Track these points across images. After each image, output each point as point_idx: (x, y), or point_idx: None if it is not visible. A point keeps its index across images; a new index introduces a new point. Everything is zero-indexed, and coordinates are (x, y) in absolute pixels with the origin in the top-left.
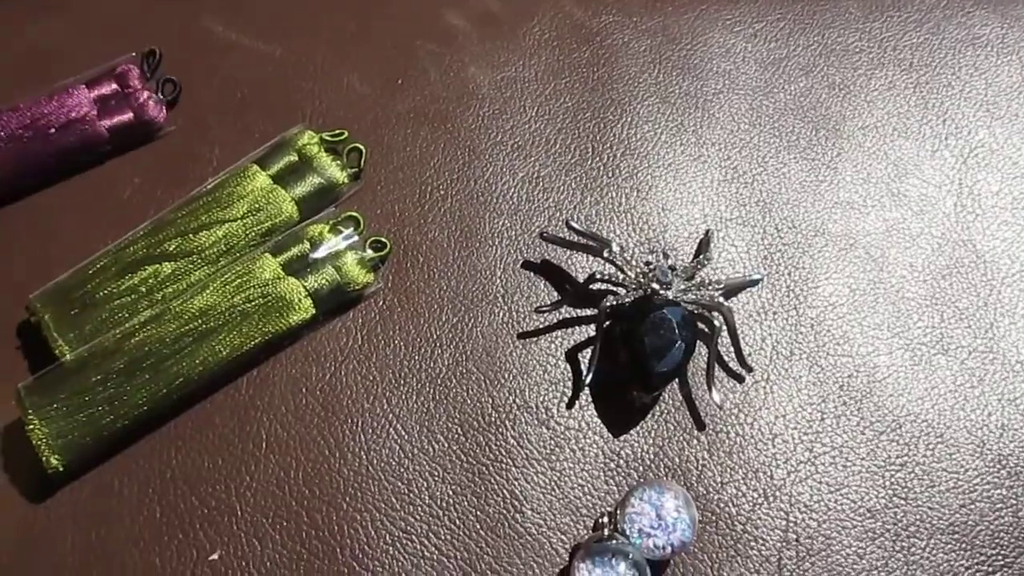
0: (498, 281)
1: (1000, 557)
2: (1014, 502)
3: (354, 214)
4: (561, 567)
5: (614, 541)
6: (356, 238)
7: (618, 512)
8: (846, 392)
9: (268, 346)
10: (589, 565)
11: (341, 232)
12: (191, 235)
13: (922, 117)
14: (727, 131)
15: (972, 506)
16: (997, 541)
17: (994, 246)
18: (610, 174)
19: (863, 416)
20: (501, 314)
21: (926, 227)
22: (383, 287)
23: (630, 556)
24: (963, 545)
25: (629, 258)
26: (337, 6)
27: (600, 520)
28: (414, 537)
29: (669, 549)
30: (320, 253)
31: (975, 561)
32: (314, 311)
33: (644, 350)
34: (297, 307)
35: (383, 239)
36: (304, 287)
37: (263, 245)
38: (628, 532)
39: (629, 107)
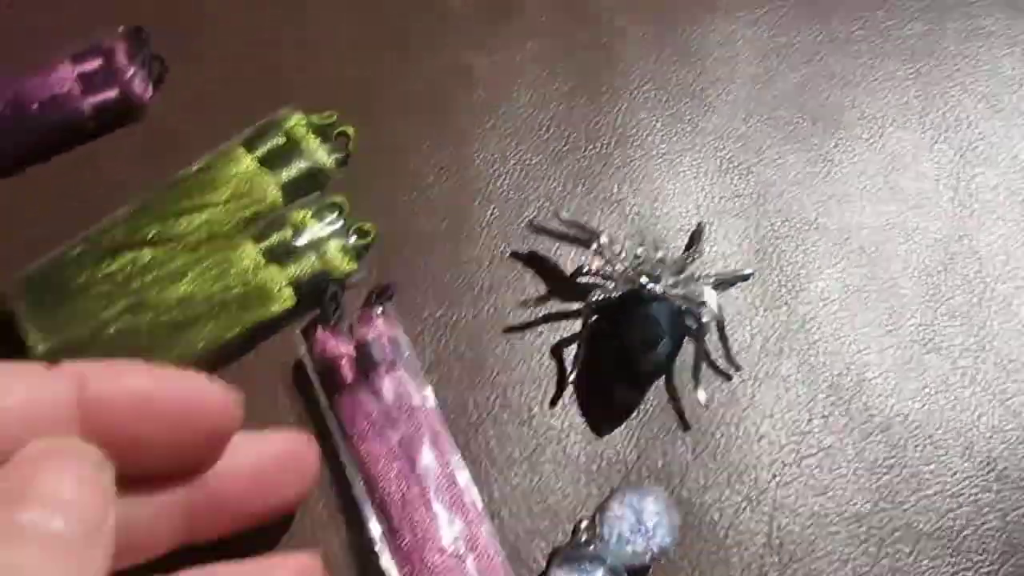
0: (484, 273)
1: (986, 563)
2: (1001, 506)
3: (338, 200)
4: (539, 572)
5: (591, 547)
6: (340, 224)
7: (598, 516)
8: (835, 392)
9: (247, 337)
10: (566, 572)
11: (324, 218)
12: (172, 220)
13: (922, 109)
14: (724, 120)
15: (959, 510)
16: (983, 546)
17: (990, 242)
18: (603, 163)
19: (851, 417)
20: (486, 308)
21: (922, 222)
22: (366, 276)
23: (607, 562)
24: (949, 551)
25: (618, 251)
26: None
27: (580, 525)
28: None
29: (648, 556)
30: (302, 240)
31: (961, 567)
32: (295, 301)
33: (631, 345)
34: (277, 296)
35: (367, 227)
36: (285, 276)
37: (245, 231)
38: (607, 537)
39: (625, 92)
